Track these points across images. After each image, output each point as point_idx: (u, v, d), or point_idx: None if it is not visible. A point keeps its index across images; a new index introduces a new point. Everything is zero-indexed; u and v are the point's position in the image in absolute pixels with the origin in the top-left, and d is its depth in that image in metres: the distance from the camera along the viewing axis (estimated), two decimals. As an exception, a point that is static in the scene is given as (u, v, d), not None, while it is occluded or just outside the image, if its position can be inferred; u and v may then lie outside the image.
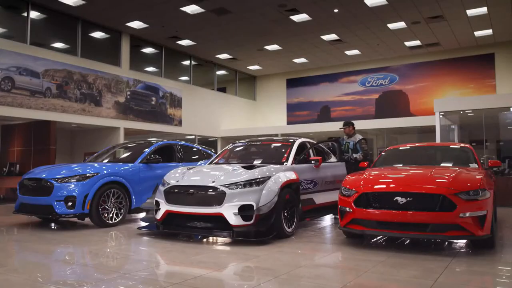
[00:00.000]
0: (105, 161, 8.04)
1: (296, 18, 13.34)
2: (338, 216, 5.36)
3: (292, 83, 20.51)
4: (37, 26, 12.63)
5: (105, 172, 6.92)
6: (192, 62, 17.81)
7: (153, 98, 15.60)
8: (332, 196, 6.88)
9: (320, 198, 6.78)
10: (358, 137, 7.77)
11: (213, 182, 5.50)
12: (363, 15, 13.11)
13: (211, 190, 5.46)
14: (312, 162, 6.71)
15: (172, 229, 5.80)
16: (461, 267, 4.23)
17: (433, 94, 16.82)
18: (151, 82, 15.61)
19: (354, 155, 7.55)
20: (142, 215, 7.81)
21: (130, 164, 7.45)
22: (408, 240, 5.60)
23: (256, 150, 7.42)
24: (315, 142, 7.92)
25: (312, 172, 6.65)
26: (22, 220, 7.81)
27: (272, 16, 13.18)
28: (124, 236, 6.13)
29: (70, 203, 6.53)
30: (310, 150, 7.26)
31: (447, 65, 16.88)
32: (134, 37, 15.13)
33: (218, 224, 5.43)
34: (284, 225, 5.71)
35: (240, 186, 5.41)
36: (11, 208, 8.66)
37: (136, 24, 14.04)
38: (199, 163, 8.51)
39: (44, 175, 6.83)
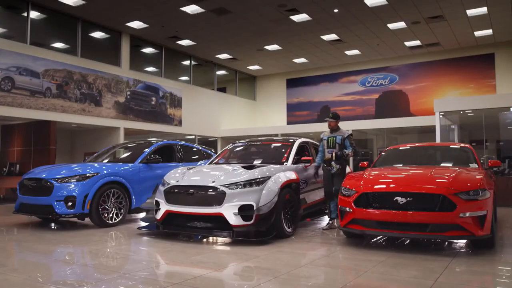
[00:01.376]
0: (105, 161, 8.04)
1: (296, 18, 13.34)
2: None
3: (292, 83, 20.51)
4: (37, 26, 12.63)
5: (105, 172, 6.92)
6: (192, 62, 17.81)
7: (153, 98, 15.60)
8: (318, 194, 7.06)
9: (311, 197, 6.81)
10: (346, 131, 6.88)
11: (213, 182, 5.50)
12: (363, 15, 13.11)
13: (211, 190, 5.46)
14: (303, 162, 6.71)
15: (172, 229, 5.80)
16: (461, 267, 4.23)
17: (433, 94, 16.82)
18: (151, 82, 15.61)
19: (347, 151, 6.70)
20: (142, 215, 7.81)
21: (130, 164, 7.45)
22: (408, 240, 5.60)
23: (256, 150, 7.42)
24: (315, 142, 7.92)
25: (303, 172, 6.65)
26: (22, 220, 7.81)
27: (272, 16, 13.18)
28: (124, 236, 6.13)
29: (70, 203, 6.53)
30: (310, 150, 7.27)
31: (447, 65, 16.88)
32: (134, 37, 15.13)
33: (218, 224, 5.43)
34: (284, 225, 5.71)
35: (240, 186, 5.41)
36: (11, 208, 8.67)
37: (136, 24, 14.04)
38: (199, 163, 8.52)
39: (44, 175, 6.83)
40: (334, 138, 6.78)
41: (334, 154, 6.64)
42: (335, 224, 6.58)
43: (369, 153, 17.81)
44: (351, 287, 3.54)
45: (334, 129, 6.86)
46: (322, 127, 17.26)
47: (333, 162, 6.59)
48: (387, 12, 12.81)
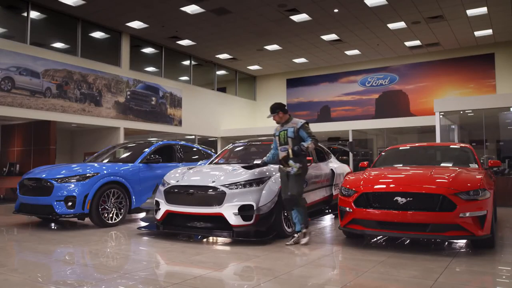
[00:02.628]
0: (105, 161, 8.04)
1: (296, 18, 13.34)
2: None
3: (292, 83, 20.51)
4: (37, 26, 12.63)
5: (105, 172, 6.92)
6: (192, 62, 17.81)
7: (153, 98, 15.60)
8: (318, 195, 7.00)
9: (311, 197, 6.78)
10: (299, 121, 5.60)
11: (213, 182, 5.50)
12: (363, 15, 13.11)
13: (211, 190, 5.46)
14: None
15: (172, 229, 5.80)
16: (461, 267, 4.23)
17: (433, 94, 16.82)
18: (151, 82, 15.62)
19: (305, 144, 5.38)
20: (142, 215, 7.81)
21: (130, 164, 7.45)
22: (408, 240, 5.60)
23: (256, 150, 7.42)
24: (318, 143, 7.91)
25: None
26: (22, 220, 7.81)
27: (272, 16, 13.18)
28: (124, 236, 6.13)
29: (70, 203, 6.53)
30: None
31: (447, 65, 16.88)
32: (134, 37, 15.13)
33: (218, 224, 5.43)
34: (284, 225, 5.71)
35: (240, 186, 5.41)
36: (11, 208, 8.67)
37: (136, 24, 14.04)
38: (199, 163, 8.52)
39: (44, 175, 6.83)
40: (286, 132, 5.55)
41: (290, 150, 5.38)
42: (302, 239, 5.37)
43: (369, 153, 17.82)
44: (351, 287, 3.54)
45: (284, 121, 5.69)
46: (322, 127, 17.37)
47: (291, 161, 5.36)
48: (387, 12, 12.82)
